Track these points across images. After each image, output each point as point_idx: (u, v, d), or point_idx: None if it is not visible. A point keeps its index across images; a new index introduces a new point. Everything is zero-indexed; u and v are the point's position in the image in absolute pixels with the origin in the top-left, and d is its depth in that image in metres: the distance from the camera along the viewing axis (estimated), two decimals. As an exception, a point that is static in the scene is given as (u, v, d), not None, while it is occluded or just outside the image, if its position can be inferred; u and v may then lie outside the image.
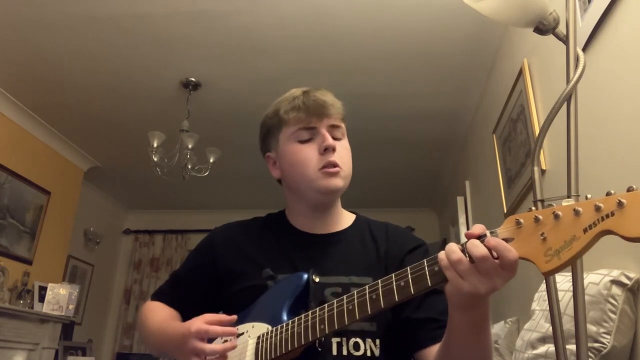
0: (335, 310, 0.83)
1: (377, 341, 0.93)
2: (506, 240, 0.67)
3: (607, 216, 0.58)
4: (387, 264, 0.99)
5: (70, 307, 4.02)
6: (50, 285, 4.01)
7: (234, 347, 0.90)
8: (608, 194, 0.59)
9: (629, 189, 0.57)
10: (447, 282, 0.71)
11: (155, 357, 1.12)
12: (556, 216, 0.62)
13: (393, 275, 0.77)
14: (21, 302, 3.81)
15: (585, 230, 0.59)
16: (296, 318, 0.88)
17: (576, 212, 0.60)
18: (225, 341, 0.96)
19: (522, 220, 0.66)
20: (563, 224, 0.62)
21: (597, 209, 0.58)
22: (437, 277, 0.72)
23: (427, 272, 0.73)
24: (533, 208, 0.67)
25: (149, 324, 1.07)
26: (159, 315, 1.07)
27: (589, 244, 0.59)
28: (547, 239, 0.63)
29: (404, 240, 1.04)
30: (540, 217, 0.64)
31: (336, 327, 0.82)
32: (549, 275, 0.63)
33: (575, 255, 0.60)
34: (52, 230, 4.34)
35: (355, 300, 0.80)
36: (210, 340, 0.97)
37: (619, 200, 0.57)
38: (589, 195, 0.62)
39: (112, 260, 5.96)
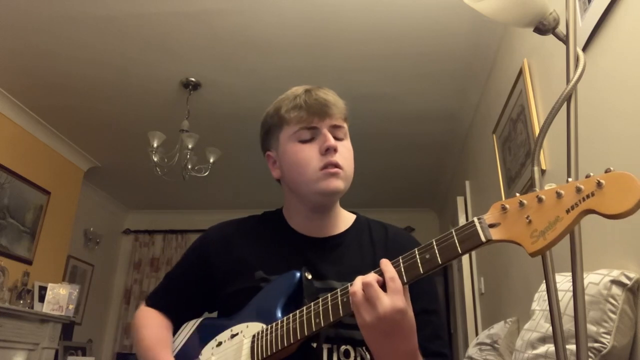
0: (330, 303, 0.83)
1: (368, 349, 0.92)
2: (492, 225, 0.70)
3: (588, 196, 0.61)
4: None
5: (70, 307, 4.02)
6: (50, 285, 4.01)
7: None
8: (587, 176, 0.62)
9: (607, 171, 0.61)
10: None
11: None
12: (540, 199, 0.65)
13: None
14: (21, 302, 3.81)
15: (568, 211, 0.63)
16: (291, 314, 0.88)
17: (558, 195, 0.64)
18: (220, 343, 0.96)
19: (507, 206, 0.69)
20: (546, 207, 0.65)
21: (578, 190, 0.62)
22: (428, 265, 0.75)
23: (418, 260, 0.76)
24: (518, 194, 0.69)
25: (139, 340, 1.05)
26: (149, 332, 1.06)
27: (572, 223, 0.62)
28: (532, 221, 0.66)
29: (404, 248, 1.02)
30: (525, 201, 0.67)
31: (331, 320, 0.82)
32: (535, 256, 0.67)
33: (559, 234, 0.63)
34: (52, 230, 4.34)
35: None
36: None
37: (598, 181, 0.60)
38: (569, 179, 0.65)
39: (112, 260, 5.97)
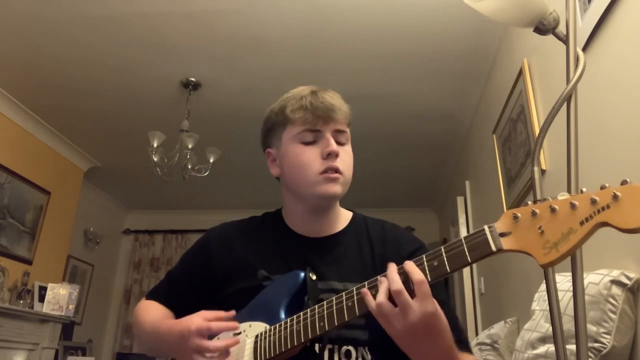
0: (334, 307, 0.83)
1: (370, 350, 0.93)
2: (503, 234, 0.68)
3: (603, 209, 0.59)
4: (383, 269, 0.98)
5: (70, 307, 4.02)
6: (50, 285, 4.01)
7: (237, 343, 0.89)
8: (603, 187, 0.60)
9: (623, 182, 0.59)
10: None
11: (150, 357, 1.11)
12: (553, 210, 0.64)
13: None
14: (21, 302, 3.81)
15: (582, 223, 0.61)
16: (295, 316, 0.87)
17: (572, 206, 0.62)
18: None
19: (519, 215, 0.67)
20: (560, 217, 0.63)
21: (593, 202, 0.60)
22: (436, 272, 0.74)
23: (426, 268, 0.75)
24: (530, 202, 0.68)
25: (143, 323, 1.06)
26: (153, 314, 1.06)
27: (586, 236, 0.61)
28: (544, 232, 0.64)
29: (400, 244, 1.03)
30: (537, 211, 0.65)
31: (336, 324, 0.81)
32: (547, 267, 0.65)
33: (572, 247, 0.61)
34: (52, 230, 4.34)
35: (355, 297, 0.81)
36: (210, 338, 0.97)
37: (614, 193, 0.58)
38: (584, 189, 0.63)
39: (112, 260, 5.97)
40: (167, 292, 1.13)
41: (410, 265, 0.76)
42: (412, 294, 0.74)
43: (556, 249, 0.62)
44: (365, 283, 0.81)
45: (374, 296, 0.76)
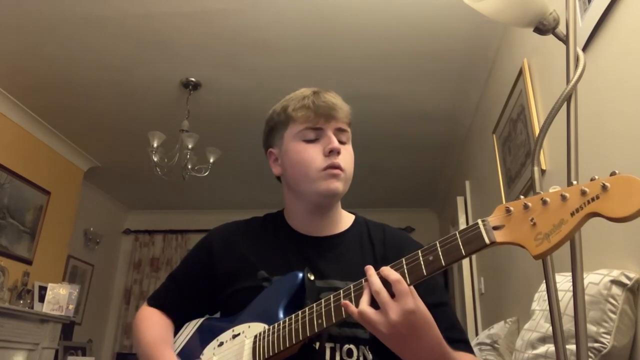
0: (332, 304, 0.83)
1: (370, 349, 0.93)
2: (497, 227, 0.70)
3: (593, 199, 0.61)
4: None
5: (70, 307, 4.02)
6: (50, 285, 4.01)
7: None
8: (592, 179, 0.61)
9: (612, 174, 0.60)
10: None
11: None
12: (544, 202, 0.65)
13: (389, 267, 0.79)
14: (21, 302, 3.81)
15: (572, 214, 0.62)
16: (293, 315, 0.88)
17: (563, 198, 0.63)
18: (221, 343, 0.96)
19: (511, 208, 0.69)
20: (551, 209, 0.64)
21: (583, 193, 0.62)
22: (431, 267, 0.75)
23: (421, 262, 0.76)
24: (522, 196, 0.69)
25: (140, 340, 1.06)
26: (150, 332, 1.06)
27: (577, 226, 0.62)
28: (536, 224, 0.65)
29: (402, 247, 1.03)
30: (529, 203, 0.67)
31: (334, 321, 0.82)
32: (539, 258, 0.66)
33: (564, 237, 0.63)
34: (52, 230, 4.34)
35: (352, 294, 0.81)
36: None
37: (603, 184, 0.60)
38: (574, 182, 0.65)
39: (112, 260, 5.97)
40: (168, 296, 1.13)
41: (386, 269, 0.78)
42: (392, 295, 0.76)
43: (548, 240, 0.64)
44: (351, 286, 0.82)
45: (358, 303, 0.78)
